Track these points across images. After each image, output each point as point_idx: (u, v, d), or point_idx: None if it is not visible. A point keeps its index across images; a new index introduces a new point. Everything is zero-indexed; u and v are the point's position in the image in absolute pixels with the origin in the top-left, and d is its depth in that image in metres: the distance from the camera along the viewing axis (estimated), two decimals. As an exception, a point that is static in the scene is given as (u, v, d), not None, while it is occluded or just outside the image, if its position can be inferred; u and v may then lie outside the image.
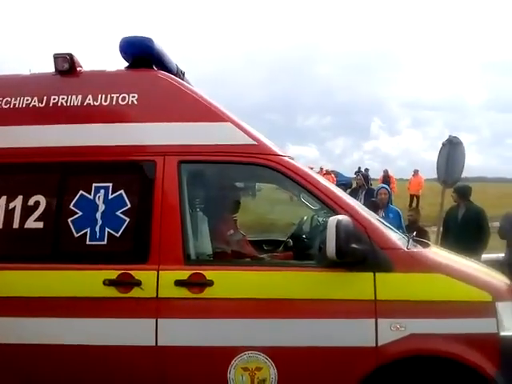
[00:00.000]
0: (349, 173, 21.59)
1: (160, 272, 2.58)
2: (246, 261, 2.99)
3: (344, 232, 2.41)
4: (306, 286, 2.59)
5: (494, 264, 5.83)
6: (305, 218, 3.95)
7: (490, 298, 2.53)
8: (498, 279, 2.82)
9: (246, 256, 3.08)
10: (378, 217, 3.37)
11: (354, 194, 7.89)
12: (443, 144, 6.57)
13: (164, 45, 3.01)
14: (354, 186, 8.59)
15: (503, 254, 5.80)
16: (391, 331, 2.47)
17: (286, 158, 2.82)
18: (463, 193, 5.71)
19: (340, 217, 2.47)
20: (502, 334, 2.50)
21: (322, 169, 23.18)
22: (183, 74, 3.28)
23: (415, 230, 5.49)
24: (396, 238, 2.75)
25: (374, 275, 2.53)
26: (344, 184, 21.84)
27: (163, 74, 2.91)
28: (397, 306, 2.51)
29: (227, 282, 2.61)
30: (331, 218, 2.49)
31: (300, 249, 3.39)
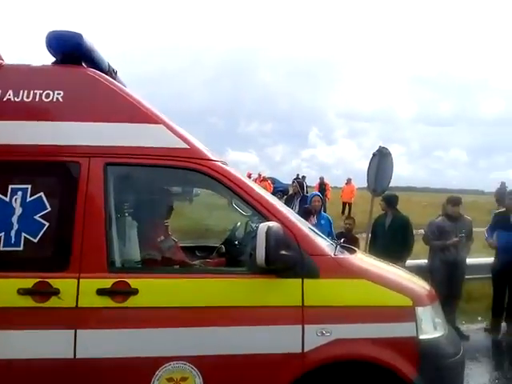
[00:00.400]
0: (287, 179, 21.96)
1: (81, 280, 2.44)
2: (175, 268, 2.91)
3: (274, 239, 2.41)
4: (235, 293, 2.56)
5: (418, 270, 6.17)
6: (238, 223, 3.94)
7: (411, 303, 2.64)
8: (418, 285, 2.95)
9: (177, 263, 3.00)
10: (308, 224, 3.43)
11: (289, 200, 8.02)
12: (373, 154, 6.85)
13: (98, 42, 2.88)
14: (291, 192, 8.72)
15: (426, 261, 6.15)
16: (317, 337, 2.51)
17: (219, 163, 2.78)
18: (390, 201, 5.97)
19: (270, 223, 2.48)
20: (421, 337, 2.61)
21: (260, 175, 23.47)
22: (115, 73, 3.15)
23: (350, 237, 5.70)
24: (324, 244, 2.81)
25: (302, 281, 2.55)
26: (281, 191, 22.26)
27: (92, 71, 2.77)
28: (323, 312, 2.54)
29: (153, 290, 2.53)
30: (261, 225, 2.49)
31: (232, 255, 3.37)
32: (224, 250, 3.67)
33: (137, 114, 2.71)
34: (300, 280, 2.55)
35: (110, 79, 2.85)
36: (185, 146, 2.72)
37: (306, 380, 2.49)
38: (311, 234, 2.77)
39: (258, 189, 2.84)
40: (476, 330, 5.97)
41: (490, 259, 6.09)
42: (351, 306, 2.57)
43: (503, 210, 5.92)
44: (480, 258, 6.63)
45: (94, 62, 2.86)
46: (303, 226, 2.82)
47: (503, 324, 5.82)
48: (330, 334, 2.51)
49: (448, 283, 5.43)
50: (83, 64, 2.81)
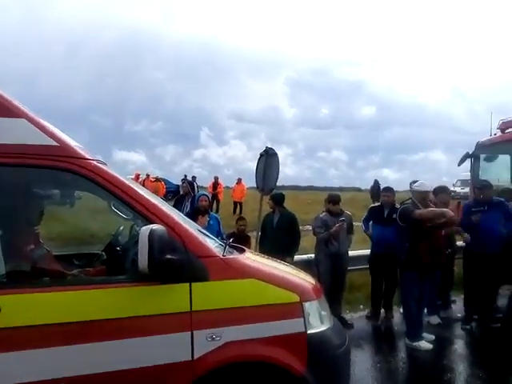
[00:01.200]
0: (179, 180, 21.59)
1: None
2: (46, 280, 2.58)
3: (157, 242, 2.26)
4: (116, 303, 2.35)
5: (307, 264, 6.41)
6: (121, 228, 3.67)
7: (298, 299, 2.67)
8: (305, 280, 3.01)
9: (49, 274, 2.67)
10: (197, 225, 3.32)
11: (180, 201, 7.82)
12: (261, 155, 6.97)
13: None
14: (181, 193, 8.50)
15: (313, 255, 6.42)
16: (207, 342, 2.41)
17: (94, 163, 2.53)
18: (277, 200, 6.12)
19: (153, 226, 2.32)
20: (309, 331, 2.65)
21: (148, 176, 22.72)
22: None
23: (242, 236, 5.71)
24: (213, 245, 2.72)
25: (190, 286, 2.44)
26: (172, 191, 21.80)
27: None
28: (212, 316, 2.46)
29: (19, 307, 2.21)
30: (143, 228, 2.32)
31: (114, 262, 3.11)
32: (105, 257, 3.38)
33: None
34: (188, 284, 2.43)
35: None
36: (54, 143, 2.43)
37: None
38: (199, 236, 2.66)
39: (139, 190, 2.64)
40: (358, 318, 6.39)
41: (368, 251, 6.57)
42: (241, 307, 2.52)
43: (378, 205, 6.41)
44: (360, 250, 7.12)
45: None
46: (190, 227, 2.70)
47: (382, 311, 6.31)
48: (220, 338, 2.43)
49: (332, 275, 5.72)
50: None
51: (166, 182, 23.82)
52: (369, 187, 21.05)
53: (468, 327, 5.82)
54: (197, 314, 2.42)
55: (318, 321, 2.76)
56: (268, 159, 6.81)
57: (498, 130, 7.75)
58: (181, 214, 3.23)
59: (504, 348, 5.08)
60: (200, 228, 3.08)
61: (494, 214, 5.70)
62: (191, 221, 3.27)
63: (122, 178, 2.57)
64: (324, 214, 5.92)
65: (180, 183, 11.24)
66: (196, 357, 2.40)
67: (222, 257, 2.60)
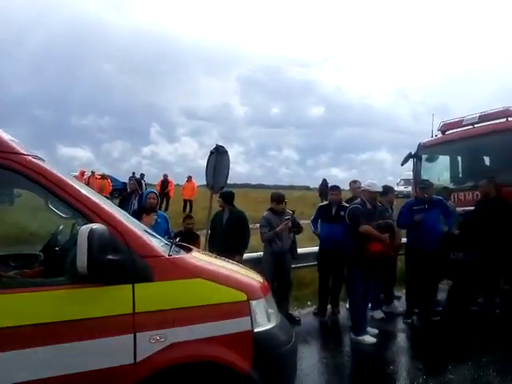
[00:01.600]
0: (126, 178, 21.01)
1: None
2: None
3: (97, 242, 2.16)
4: (54, 307, 2.23)
5: (256, 262, 6.43)
6: (61, 227, 3.50)
7: (245, 298, 2.65)
8: (252, 278, 2.99)
9: None
10: (141, 224, 3.23)
11: (127, 199, 7.59)
12: (211, 152, 6.91)
13: None
14: (128, 190, 8.25)
15: (262, 253, 6.45)
16: (151, 344, 2.34)
17: (30, 158, 2.38)
18: (227, 198, 6.09)
19: (94, 225, 2.21)
20: (256, 330, 2.64)
21: (93, 173, 21.91)
22: None
23: (191, 235, 5.62)
24: (158, 244, 2.64)
25: (133, 287, 2.35)
26: (119, 189, 21.15)
27: None
28: (157, 317, 2.38)
29: None
30: (83, 227, 2.21)
31: (52, 263, 2.95)
32: (43, 257, 3.21)
33: None
34: (130, 285, 2.34)
35: None
36: None
37: None
38: (143, 235, 2.57)
39: (79, 187, 2.50)
40: (306, 314, 6.50)
41: (317, 248, 6.68)
42: (187, 307, 2.47)
43: (326, 203, 6.53)
44: (308, 247, 7.24)
45: None
46: (133, 226, 2.60)
47: (329, 307, 6.44)
48: (164, 339, 2.37)
49: (277, 273, 5.77)
50: None
51: (113, 179, 23.08)
52: (318, 186, 21.52)
53: (409, 321, 6.07)
54: (140, 315, 2.34)
55: (264, 319, 2.76)
56: (218, 157, 6.76)
57: (439, 132, 8.09)
58: (125, 212, 3.12)
59: (443, 340, 5.34)
60: (145, 227, 3.00)
61: (434, 212, 5.96)
62: (135, 220, 3.17)
63: (59, 175, 2.43)
64: (267, 212, 5.96)
65: (127, 181, 10.91)
66: (139, 359, 2.32)
67: (167, 256, 2.53)
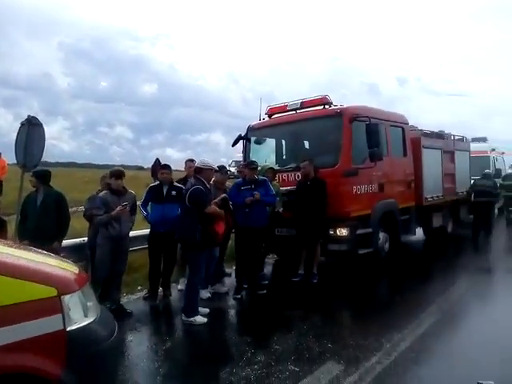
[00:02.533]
0: None
1: None
2: None
3: None
4: None
5: (79, 249, 5.86)
6: None
7: (55, 293, 2.30)
8: (65, 269, 2.62)
9: None
10: None
11: None
12: (22, 124, 5.96)
13: None
14: None
15: (86, 239, 5.89)
16: None
17: None
18: (42, 177, 5.34)
19: None
20: (69, 328, 2.32)
21: None
22: None
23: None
24: None
25: None
26: None
27: None
28: None
29: None
30: None
31: None
32: None
33: None
34: None
35: None
36: None
37: None
38: None
39: None
40: (136, 299, 6.21)
41: (148, 230, 6.40)
42: None
43: (158, 183, 6.27)
44: (139, 230, 6.90)
45: None
46: None
47: (160, 289, 6.26)
48: None
49: (113, 259, 5.35)
50: None
51: None
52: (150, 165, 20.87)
53: (238, 296, 6.28)
54: None
55: (81, 314, 2.45)
56: (30, 130, 5.87)
57: (266, 116, 8.51)
58: None
59: (269, 312, 5.65)
60: None
61: (260, 192, 6.26)
62: None
63: None
64: (105, 192, 5.44)
65: None
66: None
67: None
